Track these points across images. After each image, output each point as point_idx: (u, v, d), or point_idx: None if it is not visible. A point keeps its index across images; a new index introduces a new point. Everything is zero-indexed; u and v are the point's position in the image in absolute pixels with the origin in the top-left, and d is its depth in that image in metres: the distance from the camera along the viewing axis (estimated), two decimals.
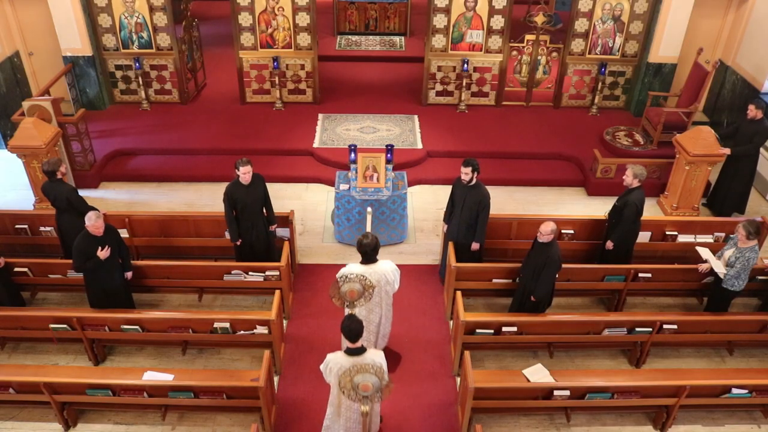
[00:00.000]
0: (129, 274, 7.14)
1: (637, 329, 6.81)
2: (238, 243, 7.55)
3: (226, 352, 7.23)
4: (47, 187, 7.49)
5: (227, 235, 7.73)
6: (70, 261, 6.92)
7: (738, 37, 10.87)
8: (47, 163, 7.47)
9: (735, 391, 6.24)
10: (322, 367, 5.45)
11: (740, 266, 6.79)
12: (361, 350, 5.23)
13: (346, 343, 5.22)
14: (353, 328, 5.16)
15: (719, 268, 6.96)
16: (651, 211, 9.47)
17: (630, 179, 7.41)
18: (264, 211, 7.54)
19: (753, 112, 8.69)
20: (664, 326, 6.80)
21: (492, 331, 6.75)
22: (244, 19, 10.86)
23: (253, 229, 7.49)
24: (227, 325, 6.66)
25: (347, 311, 5.69)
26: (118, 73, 11.34)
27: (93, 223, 6.48)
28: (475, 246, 7.51)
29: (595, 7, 10.75)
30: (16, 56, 10.81)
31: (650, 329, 6.80)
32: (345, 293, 5.82)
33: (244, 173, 7.11)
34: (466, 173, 7.19)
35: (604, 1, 10.69)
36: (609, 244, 7.71)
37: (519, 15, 13.12)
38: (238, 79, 11.47)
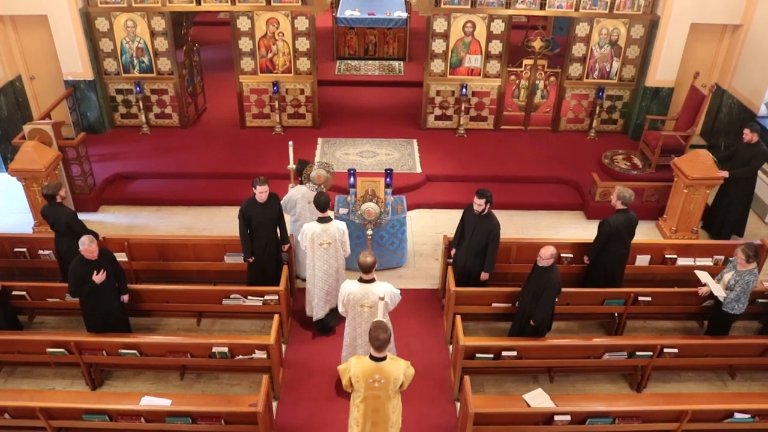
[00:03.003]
0: (125, 297, 7.11)
1: (638, 353, 6.78)
2: (251, 260, 7.53)
3: (225, 376, 7.18)
4: (47, 210, 7.49)
5: (226, 258, 7.74)
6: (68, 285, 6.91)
7: (733, 61, 10.97)
8: (47, 186, 7.48)
9: (737, 416, 6.19)
10: (299, 236, 7.13)
11: (740, 289, 6.78)
12: (327, 219, 7.04)
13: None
14: (322, 200, 6.98)
15: (719, 292, 6.95)
16: (650, 234, 9.49)
17: (613, 200, 7.45)
18: (278, 230, 7.55)
19: (748, 135, 8.75)
20: (665, 350, 6.77)
21: (492, 355, 6.71)
22: (245, 44, 10.96)
23: (267, 247, 7.49)
24: (226, 349, 6.62)
25: (317, 190, 7.43)
26: (119, 97, 11.41)
27: (86, 247, 6.47)
28: (484, 276, 7.49)
29: (592, 32, 10.86)
30: (18, 80, 10.88)
31: (651, 353, 6.76)
32: (314, 178, 7.57)
33: (261, 192, 7.14)
34: (479, 204, 7.15)
35: (601, 26, 10.80)
36: (585, 258, 7.80)
37: (517, 40, 13.22)
38: (238, 104, 11.54)
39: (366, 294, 6.21)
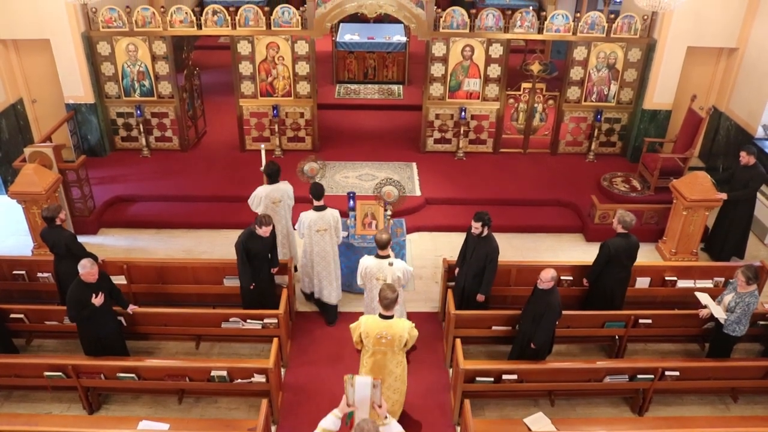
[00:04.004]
0: (135, 308, 7.24)
1: (639, 376, 6.74)
2: (252, 287, 7.56)
3: (223, 400, 7.13)
4: (46, 233, 7.49)
5: (226, 282, 7.82)
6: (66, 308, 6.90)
7: (730, 84, 11.06)
8: (47, 209, 7.48)
9: None
10: (297, 225, 7.86)
11: (740, 311, 6.76)
12: (323, 207, 7.68)
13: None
14: (317, 189, 7.66)
15: (719, 314, 6.93)
16: (650, 256, 9.48)
17: (614, 224, 7.47)
18: (269, 256, 7.63)
19: (745, 158, 8.79)
20: (666, 373, 6.73)
21: (492, 379, 6.67)
22: (245, 68, 11.04)
23: (260, 273, 7.55)
24: (224, 373, 6.58)
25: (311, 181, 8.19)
26: (120, 121, 11.46)
27: (88, 270, 6.47)
28: (479, 297, 7.48)
29: (590, 55, 10.95)
30: (20, 103, 10.94)
31: (652, 376, 6.73)
32: (307, 170, 8.44)
33: (265, 232, 7.26)
34: (476, 227, 7.20)
35: (599, 49, 10.90)
36: (584, 280, 7.80)
37: (515, 63, 13.33)
38: (238, 127, 11.59)
39: (381, 268, 6.83)
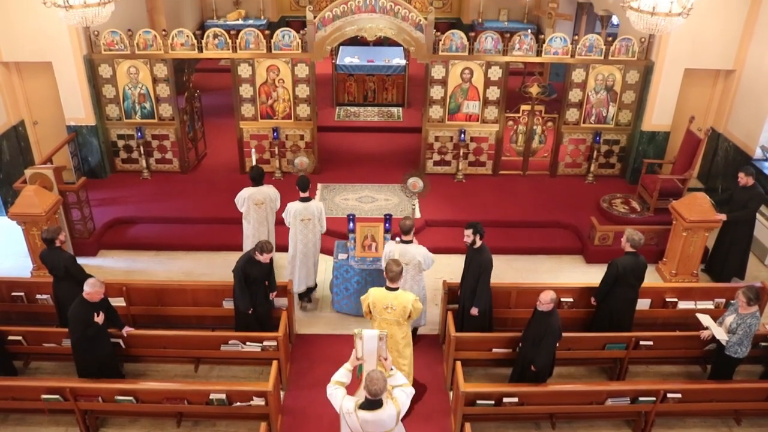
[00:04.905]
0: (130, 330, 7.22)
1: (641, 398, 6.69)
2: (250, 312, 7.56)
3: (222, 424, 7.07)
4: (45, 254, 7.48)
5: (225, 304, 7.79)
6: (65, 330, 6.87)
7: (728, 105, 11.12)
8: (46, 230, 7.49)
9: None
10: (284, 214, 8.39)
11: (742, 333, 6.73)
12: (308, 198, 8.32)
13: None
14: (302, 181, 8.26)
15: (721, 335, 6.90)
16: (650, 277, 9.40)
17: (623, 242, 7.47)
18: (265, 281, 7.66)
19: (743, 179, 8.82)
20: (668, 395, 6.69)
21: (493, 402, 6.62)
22: (245, 90, 11.11)
23: (257, 298, 7.57)
24: (223, 396, 6.54)
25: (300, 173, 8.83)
26: (120, 143, 11.51)
27: (97, 289, 6.56)
28: (473, 311, 7.47)
29: (588, 77, 11.03)
30: (21, 125, 10.98)
31: (654, 398, 6.68)
32: (298, 164, 9.25)
33: (266, 259, 7.33)
34: (467, 235, 7.29)
35: (597, 72, 10.97)
36: (591, 299, 7.78)
37: (514, 86, 13.42)
38: (238, 149, 11.63)
39: (404, 253, 7.43)
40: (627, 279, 7.41)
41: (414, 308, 6.55)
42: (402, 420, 6.77)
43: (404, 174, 9.00)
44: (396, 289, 6.57)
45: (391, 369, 5.57)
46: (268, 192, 8.71)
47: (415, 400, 7.13)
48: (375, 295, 6.62)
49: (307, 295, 8.85)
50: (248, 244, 8.76)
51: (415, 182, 8.90)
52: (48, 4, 7.59)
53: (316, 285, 8.90)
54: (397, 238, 7.63)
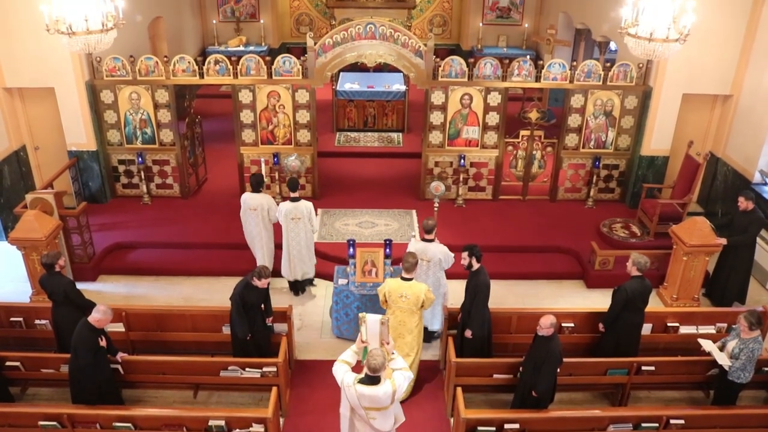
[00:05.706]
0: (124, 355, 7.22)
1: (644, 424, 6.64)
2: (248, 338, 7.54)
3: None
4: (45, 279, 7.47)
5: (224, 329, 7.75)
6: (64, 355, 6.83)
7: (726, 130, 11.17)
8: (46, 255, 7.49)
9: None
10: (276, 213, 9.04)
11: (745, 358, 6.70)
12: (298, 199, 8.93)
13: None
14: (293, 182, 8.95)
15: (724, 361, 6.85)
16: (651, 302, 9.34)
17: (629, 267, 7.45)
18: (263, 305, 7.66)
19: (743, 204, 8.83)
20: (671, 421, 6.63)
21: (494, 428, 6.57)
22: (246, 116, 11.17)
23: (254, 324, 7.55)
24: (222, 422, 6.48)
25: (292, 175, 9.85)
26: (121, 168, 11.55)
27: (108, 317, 6.70)
28: (467, 333, 7.44)
29: (587, 103, 11.10)
30: (23, 150, 11.03)
31: (657, 424, 6.63)
32: (290, 166, 10.66)
33: (263, 284, 7.37)
34: (464, 258, 7.31)
35: (596, 97, 11.05)
36: (600, 326, 7.72)
37: (513, 111, 13.50)
38: (239, 174, 11.66)
39: (425, 251, 7.91)
40: (635, 303, 7.40)
41: (426, 298, 7.10)
42: None
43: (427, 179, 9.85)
44: (410, 279, 7.13)
45: (393, 353, 6.00)
46: (261, 201, 9.08)
47: (415, 428, 7.08)
48: (391, 284, 7.22)
49: (302, 286, 9.57)
50: (257, 248, 9.50)
51: (438, 185, 9.79)
52: (51, 30, 7.69)
53: (313, 280, 9.71)
54: (417, 236, 8.27)
